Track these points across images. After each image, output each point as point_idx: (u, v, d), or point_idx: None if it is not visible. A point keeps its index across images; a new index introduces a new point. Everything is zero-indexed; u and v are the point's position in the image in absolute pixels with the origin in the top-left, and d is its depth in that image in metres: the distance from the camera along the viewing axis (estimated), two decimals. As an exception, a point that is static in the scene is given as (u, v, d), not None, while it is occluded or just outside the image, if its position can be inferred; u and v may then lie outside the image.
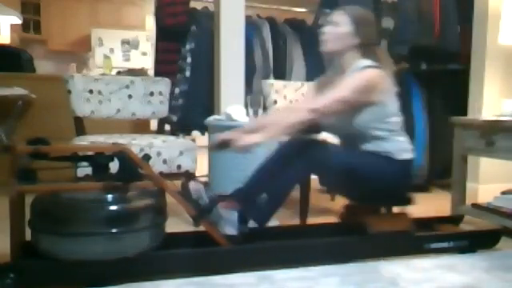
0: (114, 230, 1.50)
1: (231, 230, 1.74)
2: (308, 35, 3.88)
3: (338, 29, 1.87)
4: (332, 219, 2.21)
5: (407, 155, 1.89)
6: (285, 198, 1.80)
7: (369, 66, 1.82)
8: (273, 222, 2.22)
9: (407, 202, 1.95)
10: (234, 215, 1.74)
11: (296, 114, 1.80)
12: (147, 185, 1.67)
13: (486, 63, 2.92)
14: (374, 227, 1.87)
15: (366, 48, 1.87)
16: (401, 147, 1.88)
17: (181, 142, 2.58)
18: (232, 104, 2.66)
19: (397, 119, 1.90)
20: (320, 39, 1.91)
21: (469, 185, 2.66)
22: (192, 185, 1.77)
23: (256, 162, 2.39)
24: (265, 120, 2.01)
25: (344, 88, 1.79)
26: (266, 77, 3.69)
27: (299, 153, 1.78)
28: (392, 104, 1.88)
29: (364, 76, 1.79)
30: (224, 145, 1.79)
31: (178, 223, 2.26)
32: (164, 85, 2.97)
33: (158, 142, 2.46)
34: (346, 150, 1.90)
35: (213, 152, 1.86)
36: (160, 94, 2.93)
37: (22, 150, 1.56)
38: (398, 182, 1.89)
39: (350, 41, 1.86)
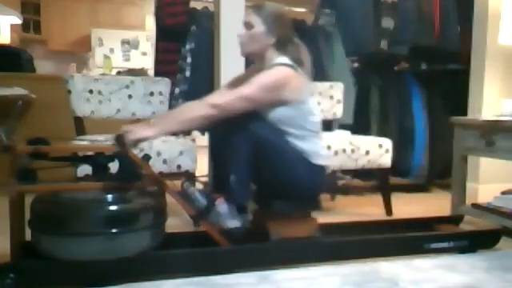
0: (113, 230, 1.50)
1: (235, 222, 1.73)
2: (308, 35, 3.88)
3: (251, 30, 1.84)
4: (331, 219, 2.21)
5: (322, 161, 1.86)
6: (248, 167, 1.73)
7: (281, 64, 1.79)
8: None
9: (316, 206, 1.91)
10: (232, 208, 1.73)
11: (196, 108, 1.74)
12: (147, 185, 1.68)
13: (486, 63, 2.92)
14: (277, 233, 1.82)
15: (284, 44, 1.84)
16: (317, 151, 1.84)
17: (181, 141, 2.58)
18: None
19: (315, 119, 1.86)
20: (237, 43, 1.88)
21: (469, 185, 2.66)
22: (186, 187, 1.77)
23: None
24: (166, 114, 1.95)
25: (251, 85, 1.75)
26: (266, 77, 3.68)
27: (235, 123, 1.71)
28: (309, 103, 1.85)
29: (273, 74, 1.76)
30: (120, 139, 1.68)
31: (177, 223, 2.26)
32: (164, 85, 2.97)
33: (158, 141, 2.46)
34: (276, 130, 1.80)
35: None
36: (160, 94, 2.93)
37: (22, 149, 1.56)
38: (309, 185, 1.84)
39: (265, 40, 1.84)
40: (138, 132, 1.69)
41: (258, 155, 1.72)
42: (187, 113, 1.76)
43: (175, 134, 2.80)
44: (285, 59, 1.82)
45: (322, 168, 1.86)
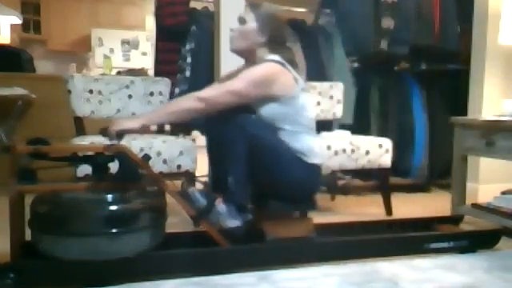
0: (113, 230, 1.50)
1: (235, 222, 1.73)
2: (308, 35, 3.88)
3: (244, 26, 1.83)
4: (332, 219, 2.21)
5: (317, 159, 1.85)
6: (245, 167, 1.71)
7: (270, 60, 1.79)
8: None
9: (311, 206, 1.91)
10: (232, 208, 1.73)
11: (184, 101, 1.76)
12: (147, 185, 1.67)
13: (486, 63, 2.92)
14: (272, 233, 1.81)
15: (276, 46, 1.84)
16: (312, 149, 1.84)
17: (181, 141, 2.58)
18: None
19: (308, 114, 1.86)
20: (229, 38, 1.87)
21: (469, 185, 2.66)
22: (185, 187, 1.77)
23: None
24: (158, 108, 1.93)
25: (239, 80, 1.74)
26: (266, 77, 3.68)
27: (230, 122, 1.70)
28: (302, 99, 1.83)
29: (261, 69, 1.75)
30: (104, 131, 1.71)
31: (178, 223, 2.26)
32: (164, 85, 2.97)
33: (158, 142, 2.46)
34: (271, 129, 1.79)
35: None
36: (160, 93, 2.93)
37: (22, 149, 1.56)
38: (304, 184, 1.83)
39: (255, 38, 1.83)
40: (122, 123, 1.70)
41: (252, 155, 1.71)
42: (174, 105, 1.78)
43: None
44: (275, 56, 1.81)
45: (316, 167, 1.85)
